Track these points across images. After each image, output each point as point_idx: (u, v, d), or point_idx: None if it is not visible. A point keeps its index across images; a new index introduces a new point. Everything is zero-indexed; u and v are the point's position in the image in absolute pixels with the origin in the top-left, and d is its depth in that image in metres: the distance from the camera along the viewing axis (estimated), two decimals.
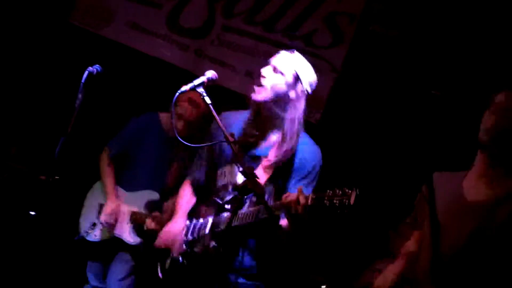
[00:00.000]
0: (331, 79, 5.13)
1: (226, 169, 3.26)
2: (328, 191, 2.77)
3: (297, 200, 2.83)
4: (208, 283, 3.15)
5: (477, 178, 2.77)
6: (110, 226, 4.31)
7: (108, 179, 4.44)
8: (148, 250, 3.44)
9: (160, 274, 3.31)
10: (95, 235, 4.37)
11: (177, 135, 3.10)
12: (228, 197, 3.20)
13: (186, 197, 3.42)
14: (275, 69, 3.14)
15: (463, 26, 4.70)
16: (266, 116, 3.17)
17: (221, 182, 3.27)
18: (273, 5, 5.22)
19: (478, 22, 4.63)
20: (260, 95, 3.13)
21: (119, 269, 4.33)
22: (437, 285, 2.49)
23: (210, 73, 3.10)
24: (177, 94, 3.05)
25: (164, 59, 5.21)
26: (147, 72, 5.15)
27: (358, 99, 5.06)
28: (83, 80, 3.28)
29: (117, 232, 4.34)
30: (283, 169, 3.15)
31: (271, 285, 3.28)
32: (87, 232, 4.35)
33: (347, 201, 2.70)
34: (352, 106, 5.08)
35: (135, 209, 4.36)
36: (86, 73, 3.30)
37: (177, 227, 3.29)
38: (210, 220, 3.19)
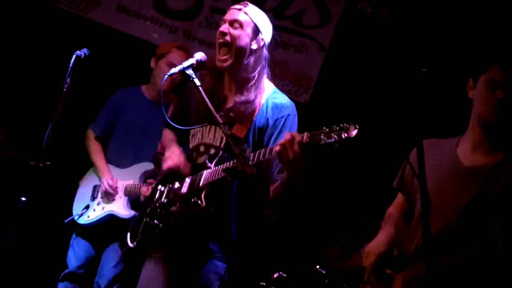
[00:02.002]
0: (320, 58, 5.14)
1: (197, 130, 3.25)
2: (323, 127, 2.64)
3: (292, 137, 2.70)
4: (187, 245, 3.13)
5: (474, 146, 2.79)
6: (111, 194, 4.29)
7: (98, 157, 4.44)
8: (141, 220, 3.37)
9: (130, 244, 3.25)
10: (88, 216, 4.33)
11: (166, 117, 3.11)
12: (202, 158, 3.19)
13: (169, 136, 3.41)
14: (232, 24, 3.13)
15: (450, 3, 4.70)
16: (232, 76, 3.17)
17: (193, 141, 3.27)
18: None
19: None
20: (227, 62, 3.12)
21: (111, 256, 4.31)
22: (427, 261, 2.51)
23: (199, 55, 3.09)
24: (166, 76, 3.05)
25: (152, 42, 5.18)
26: (135, 55, 5.12)
27: (347, 79, 5.07)
28: (71, 64, 3.26)
29: (110, 208, 4.31)
30: (256, 126, 3.12)
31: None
32: (79, 215, 4.33)
33: (346, 134, 2.57)
34: (341, 86, 5.08)
35: (130, 182, 4.34)
36: (73, 56, 3.28)
37: (176, 152, 3.26)
38: (188, 180, 3.16)
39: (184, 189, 3.14)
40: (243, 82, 3.14)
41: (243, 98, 3.11)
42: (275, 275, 4.00)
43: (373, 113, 4.92)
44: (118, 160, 4.45)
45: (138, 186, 4.26)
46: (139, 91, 4.56)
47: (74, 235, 4.44)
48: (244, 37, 3.11)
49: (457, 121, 2.91)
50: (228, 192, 3.10)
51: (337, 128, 2.60)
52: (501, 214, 2.60)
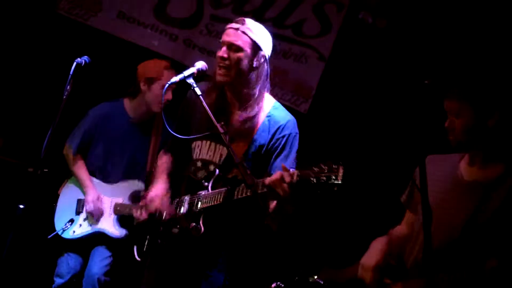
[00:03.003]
0: (320, 68, 5.14)
1: (197, 144, 3.24)
2: (313, 167, 2.69)
3: (282, 178, 2.76)
4: (190, 266, 3.14)
5: (471, 160, 2.80)
6: (97, 215, 4.25)
7: (81, 172, 4.36)
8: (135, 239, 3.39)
9: (137, 257, 3.28)
10: (74, 231, 4.29)
11: (168, 128, 3.10)
12: (200, 174, 3.19)
13: (163, 165, 3.39)
14: (231, 47, 3.09)
15: (450, 14, 4.70)
16: (234, 92, 3.15)
17: (193, 156, 3.26)
18: None
19: (466, 10, 4.64)
20: (225, 77, 3.09)
21: (101, 251, 4.28)
22: (427, 277, 2.50)
23: (200, 64, 3.09)
24: (167, 85, 3.05)
25: (153, 49, 5.18)
26: (135, 62, 5.11)
27: (347, 88, 5.06)
28: (71, 72, 3.25)
29: (99, 226, 4.28)
30: (257, 142, 3.12)
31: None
32: (63, 229, 4.27)
33: (334, 177, 2.63)
34: (341, 95, 5.08)
35: (119, 200, 4.31)
36: (74, 64, 3.27)
37: (160, 190, 3.25)
38: (187, 198, 3.16)
39: (183, 210, 3.15)
40: (245, 99, 3.12)
41: (244, 115, 3.10)
42: (273, 285, 3.99)
43: (373, 124, 4.92)
44: (101, 173, 4.39)
45: (129, 207, 4.22)
46: (122, 107, 4.44)
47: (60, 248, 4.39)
48: (243, 58, 3.07)
49: None
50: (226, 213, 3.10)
51: (326, 169, 2.65)
52: (502, 230, 2.61)
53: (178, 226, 3.15)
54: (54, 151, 3.32)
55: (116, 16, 5.26)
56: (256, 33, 3.11)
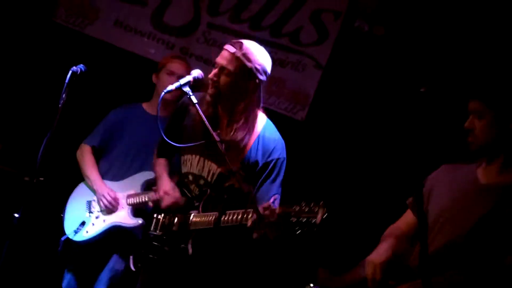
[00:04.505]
0: (317, 76, 5.14)
1: (187, 157, 3.24)
2: (294, 206, 2.73)
3: (263, 216, 2.79)
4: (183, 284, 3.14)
5: (489, 164, 2.81)
6: (114, 207, 4.21)
7: (93, 172, 4.35)
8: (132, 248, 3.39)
9: (132, 267, 3.28)
10: (87, 231, 4.23)
11: (163, 135, 3.10)
12: (192, 187, 3.21)
13: (162, 164, 3.42)
14: (222, 70, 3.08)
15: (448, 21, 4.71)
16: (223, 107, 3.16)
17: (184, 168, 3.28)
18: (258, 3, 5.21)
19: (463, 17, 4.65)
20: (214, 96, 3.12)
21: (115, 259, 4.24)
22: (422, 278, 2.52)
23: (196, 72, 3.10)
24: (164, 93, 3.05)
25: (149, 57, 5.17)
26: (132, 70, 5.12)
27: (344, 97, 5.07)
28: (67, 80, 3.25)
29: (114, 220, 4.22)
30: (244, 164, 3.14)
31: None
32: (75, 231, 4.23)
33: (314, 219, 2.67)
34: (338, 104, 5.08)
35: (131, 192, 4.27)
36: (70, 72, 3.27)
37: (167, 186, 3.27)
38: (178, 216, 3.18)
39: (175, 227, 3.18)
40: (233, 119, 3.13)
41: (229, 137, 3.10)
42: None
43: (370, 132, 4.92)
44: (114, 175, 4.38)
45: (142, 195, 4.17)
46: (141, 107, 4.51)
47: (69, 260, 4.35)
48: (233, 84, 3.07)
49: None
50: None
51: (307, 209, 2.68)
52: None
53: (169, 244, 3.17)
54: (50, 160, 3.30)
55: (113, 24, 5.25)
56: (253, 59, 3.07)
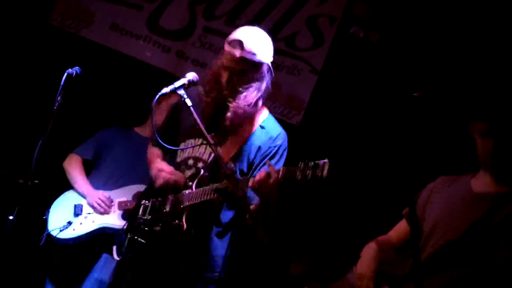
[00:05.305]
0: (312, 80, 5.15)
1: (189, 142, 3.24)
2: (300, 163, 2.70)
3: (268, 175, 2.77)
4: (173, 265, 3.12)
5: (484, 175, 2.87)
6: (106, 208, 4.22)
7: (82, 180, 4.38)
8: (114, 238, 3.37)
9: (116, 256, 3.25)
10: (74, 229, 4.22)
11: (159, 140, 3.10)
12: (189, 172, 3.18)
13: (155, 152, 3.40)
14: (234, 72, 3.10)
15: (442, 27, 4.73)
16: (232, 90, 3.15)
17: (182, 155, 3.26)
18: (254, 8, 5.21)
19: (458, 24, 4.67)
20: (224, 95, 3.13)
21: (105, 257, 4.24)
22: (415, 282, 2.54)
23: (191, 75, 3.10)
24: (158, 96, 3.05)
25: (145, 61, 5.17)
26: (127, 73, 5.12)
27: (339, 102, 5.08)
28: (62, 82, 3.25)
29: (104, 221, 4.23)
30: (248, 147, 3.13)
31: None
32: (60, 229, 4.20)
33: (320, 172, 2.63)
34: (333, 109, 5.09)
35: (124, 199, 4.29)
36: (65, 75, 3.27)
37: (161, 164, 3.25)
38: (171, 198, 3.15)
39: (167, 208, 3.13)
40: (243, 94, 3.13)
41: (238, 105, 3.09)
42: None
43: (365, 137, 4.93)
44: (104, 184, 4.40)
45: (133, 203, 4.17)
46: (133, 132, 4.57)
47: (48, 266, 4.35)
48: (247, 78, 3.10)
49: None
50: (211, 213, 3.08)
51: (312, 164, 2.65)
52: (505, 241, 2.63)
53: (160, 224, 3.12)
54: (45, 163, 3.30)
55: (109, 28, 5.25)
56: (256, 51, 3.11)
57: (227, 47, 3.15)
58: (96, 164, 4.47)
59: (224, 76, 3.10)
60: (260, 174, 2.81)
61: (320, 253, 4.72)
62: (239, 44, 3.10)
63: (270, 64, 3.19)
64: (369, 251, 2.97)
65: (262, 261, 4.56)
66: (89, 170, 4.51)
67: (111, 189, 4.39)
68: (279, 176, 2.75)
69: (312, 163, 2.65)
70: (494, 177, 2.82)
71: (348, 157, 4.94)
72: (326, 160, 2.64)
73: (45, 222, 4.34)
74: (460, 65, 4.55)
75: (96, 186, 4.41)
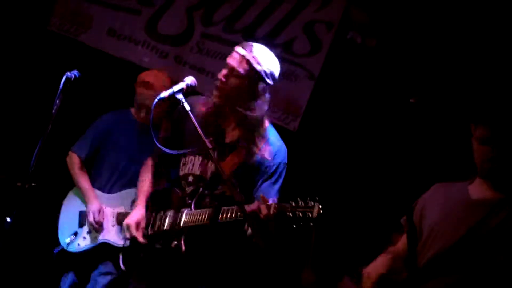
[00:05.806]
0: (309, 86, 5.16)
1: (190, 158, 3.24)
2: (291, 202, 2.75)
3: (258, 209, 2.79)
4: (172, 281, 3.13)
5: (481, 182, 2.88)
6: (99, 228, 4.21)
7: (84, 182, 4.35)
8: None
9: (122, 266, 3.27)
10: (79, 244, 4.24)
11: (156, 142, 3.11)
12: (189, 189, 3.18)
13: (144, 185, 3.38)
14: (232, 71, 3.11)
15: (439, 33, 4.75)
16: (228, 112, 3.17)
17: (183, 171, 3.26)
18: (252, 14, 5.23)
19: (457, 29, 4.69)
20: (219, 98, 3.13)
21: (105, 265, 4.23)
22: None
23: (189, 80, 3.10)
24: (156, 100, 3.05)
25: (143, 66, 5.19)
26: (125, 77, 5.12)
27: (336, 108, 5.09)
28: (60, 86, 3.26)
29: (103, 237, 4.23)
30: (248, 165, 3.13)
31: None
32: (67, 243, 4.22)
33: (310, 214, 2.68)
34: (331, 115, 5.11)
35: (121, 209, 4.27)
36: (63, 78, 3.28)
37: (135, 216, 3.24)
38: (171, 214, 3.16)
39: (166, 226, 3.15)
40: (245, 122, 3.13)
41: (235, 139, 3.11)
42: None
43: (362, 142, 4.95)
44: (105, 184, 4.38)
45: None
46: (129, 113, 4.53)
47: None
48: (242, 86, 3.10)
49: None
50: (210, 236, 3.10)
51: (303, 205, 2.71)
52: (499, 247, 2.66)
53: (161, 241, 3.14)
54: (43, 166, 3.31)
55: (107, 33, 5.27)
56: (262, 63, 3.11)
57: (237, 47, 3.17)
58: (97, 157, 4.42)
59: (222, 75, 3.11)
60: (252, 206, 2.83)
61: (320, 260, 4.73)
62: (249, 47, 3.14)
63: (268, 86, 3.16)
64: (383, 257, 2.99)
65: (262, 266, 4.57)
66: (92, 163, 4.47)
67: (115, 186, 4.35)
68: (270, 212, 2.78)
69: (303, 203, 2.71)
70: (491, 184, 2.83)
71: (345, 163, 4.96)
72: (317, 203, 2.70)
73: (55, 227, 4.35)
74: (460, 70, 4.57)
75: (98, 181, 4.38)
